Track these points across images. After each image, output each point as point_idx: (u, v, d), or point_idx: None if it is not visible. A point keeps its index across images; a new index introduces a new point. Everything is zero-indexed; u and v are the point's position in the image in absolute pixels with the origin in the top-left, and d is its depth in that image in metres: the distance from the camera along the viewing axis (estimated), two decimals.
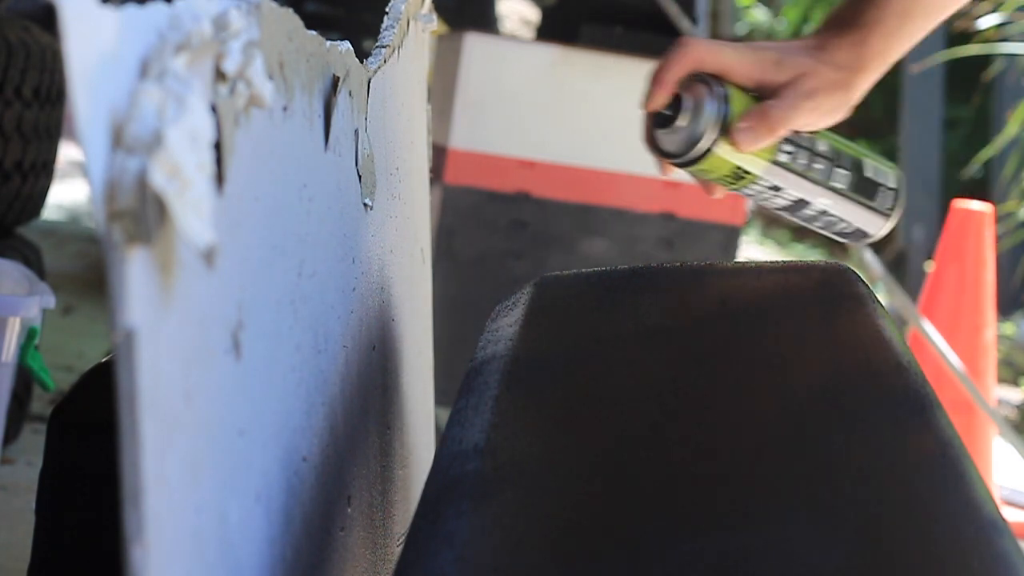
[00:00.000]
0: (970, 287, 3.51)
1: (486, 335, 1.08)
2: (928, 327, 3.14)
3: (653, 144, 1.17)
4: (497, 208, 3.53)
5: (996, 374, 3.78)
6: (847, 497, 0.79)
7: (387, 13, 1.40)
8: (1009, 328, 6.04)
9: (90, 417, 1.10)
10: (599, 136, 3.56)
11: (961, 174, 6.65)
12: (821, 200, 1.19)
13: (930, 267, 3.71)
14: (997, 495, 3.42)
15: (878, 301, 1.04)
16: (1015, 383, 5.66)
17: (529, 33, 8.00)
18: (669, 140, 1.16)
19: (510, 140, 3.52)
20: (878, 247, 7.02)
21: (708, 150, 1.14)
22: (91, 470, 1.09)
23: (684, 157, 1.15)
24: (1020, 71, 6.29)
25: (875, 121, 10.32)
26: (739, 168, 1.15)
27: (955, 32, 6.45)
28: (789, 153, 1.17)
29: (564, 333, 1.05)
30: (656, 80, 1.15)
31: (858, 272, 1.11)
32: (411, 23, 1.46)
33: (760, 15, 12.39)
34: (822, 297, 1.04)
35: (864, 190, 1.21)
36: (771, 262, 1.12)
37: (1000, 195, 6.19)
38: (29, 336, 1.86)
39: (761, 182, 1.17)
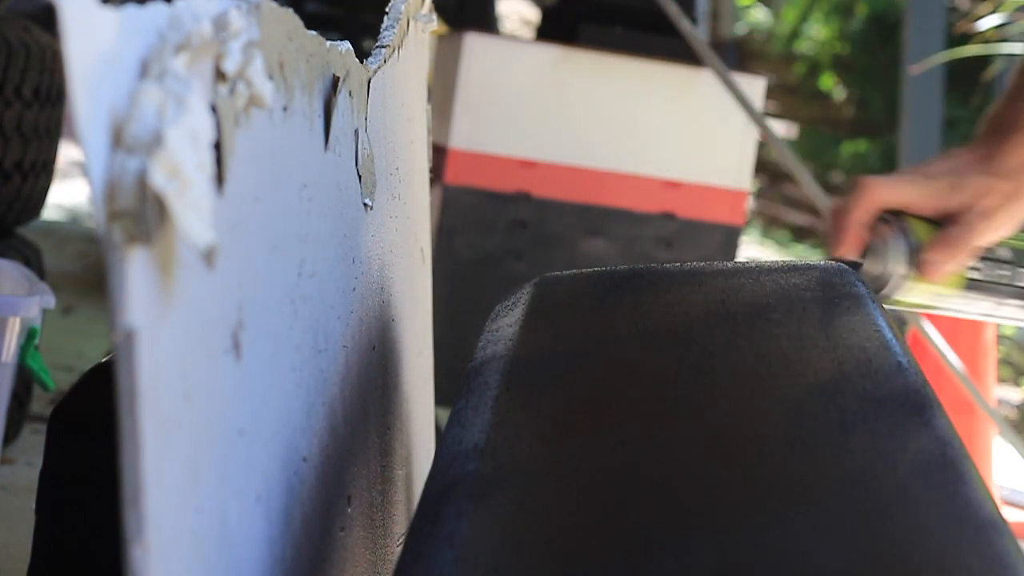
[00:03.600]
0: None
1: (486, 335, 1.08)
2: (928, 327, 3.14)
3: None
4: (497, 208, 3.53)
5: (996, 374, 3.78)
6: (847, 497, 0.79)
7: (387, 13, 1.40)
8: (1009, 328, 6.04)
9: (90, 417, 1.10)
10: (599, 136, 3.56)
11: None
12: (1011, 302, 1.22)
13: None
14: (997, 495, 3.42)
15: (878, 301, 1.04)
16: (1015, 383, 5.66)
17: (529, 33, 8.00)
18: None
19: (510, 140, 3.52)
20: None
21: (900, 288, 1.17)
22: (91, 470, 1.09)
23: (878, 296, 1.16)
24: None
25: (875, 121, 10.33)
26: (932, 296, 1.19)
27: (955, 33, 6.46)
28: (977, 269, 1.20)
29: (564, 333, 1.05)
30: (841, 226, 1.16)
31: (858, 272, 1.11)
32: (411, 23, 1.46)
33: (760, 15, 12.40)
34: (822, 297, 1.04)
35: None
36: (771, 262, 1.12)
37: None
38: (29, 336, 1.86)
39: (953, 304, 1.20)
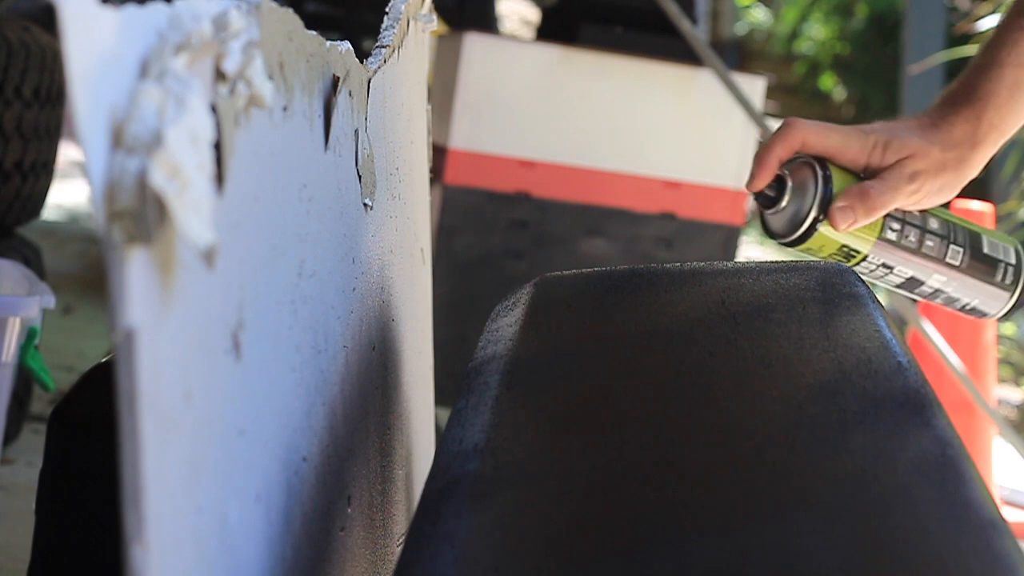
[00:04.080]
0: None
1: (486, 335, 1.08)
2: (928, 327, 3.14)
3: (761, 222, 1.20)
4: (497, 208, 3.53)
5: (996, 374, 3.78)
6: (847, 497, 0.79)
7: (387, 13, 1.40)
8: (1009, 328, 6.04)
9: (90, 417, 1.10)
10: (599, 136, 3.56)
11: None
12: (936, 277, 1.20)
13: None
14: (997, 495, 3.42)
15: (878, 301, 1.04)
16: (1015, 383, 5.66)
17: (529, 33, 8.00)
18: (774, 220, 1.18)
19: (510, 140, 3.52)
20: None
21: (811, 230, 1.16)
22: (91, 470, 1.09)
23: (789, 237, 1.17)
24: None
25: (875, 121, 10.31)
26: (846, 247, 1.17)
27: (955, 33, 6.46)
28: (896, 231, 1.18)
29: (564, 333, 1.05)
30: (759, 160, 1.16)
31: (858, 272, 1.11)
32: (411, 23, 1.46)
33: (760, 15, 12.39)
34: (822, 297, 1.04)
35: (981, 266, 1.21)
36: (771, 262, 1.12)
37: (1000, 195, 6.19)
38: (29, 336, 1.86)
39: (871, 260, 1.18)
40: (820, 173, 1.15)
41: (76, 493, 1.12)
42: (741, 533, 0.76)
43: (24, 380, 2.51)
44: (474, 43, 3.49)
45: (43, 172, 2.66)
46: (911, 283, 1.20)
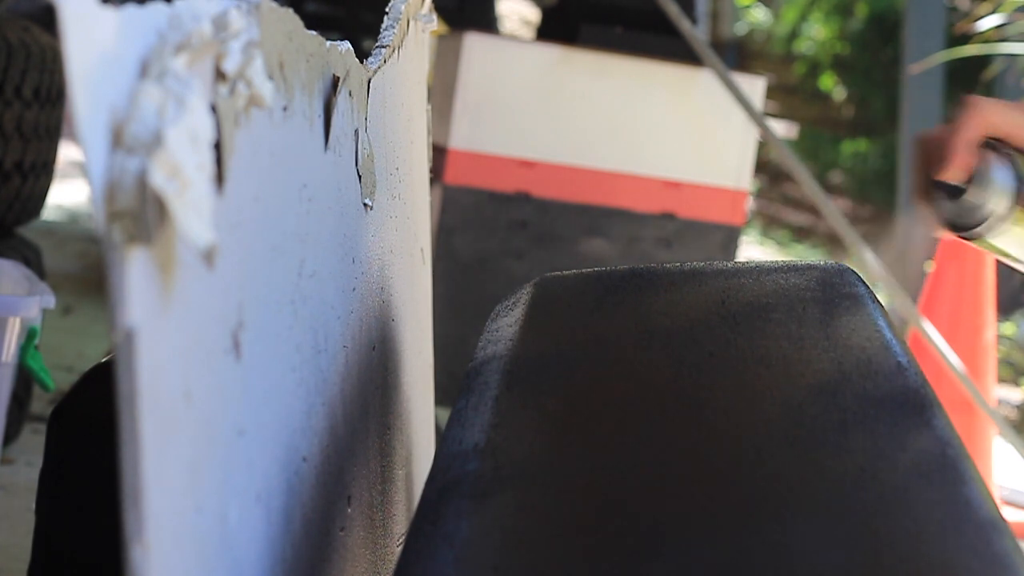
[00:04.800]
0: (970, 287, 3.51)
1: (486, 335, 1.08)
2: (928, 327, 3.14)
3: (932, 210, 1.11)
4: (497, 208, 3.53)
5: (996, 374, 3.78)
6: (847, 497, 0.79)
7: (387, 13, 1.40)
8: (1009, 328, 6.04)
9: (90, 417, 1.10)
10: (599, 136, 3.56)
11: None
12: None
13: (930, 267, 3.71)
14: (997, 495, 3.42)
15: (878, 301, 1.04)
16: (1015, 383, 5.66)
17: (529, 33, 8.00)
18: (952, 210, 1.10)
19: (510, 140, 3.52)
20: (878, 247, 7.01)
21: (1003, 223, 1.08)
22: (91, 470, 1.09)
23: (974, 229, 1.09)
24: (1020, 71, 6.29)
25: (875, 121, 10.32)
26: None
27: (955, 32, 6.46)
28: None
29: (564, 333, 1.05)
30: (950, 146, 1.08)
31: (858, 272, 1.11)
32: (411, 23, 1.46)
33: (760, 15, 12.39)
34: (822, 297, 1.04)
35: None
36: (771, 262, 1.12)
37: None
38: (29, 336, 1.86)
39: None
40: (1009, 158, 1.07)
41: (76, 493, 1.12)
42: (741, 533, 0.76)
43: (24, 380, 2.51)
44: (474, 43, 3.49)
45: (43, 172, 2.66)
46: None
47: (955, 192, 1.08)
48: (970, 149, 1.07)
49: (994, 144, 1.08)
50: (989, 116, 1.08)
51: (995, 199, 1.07)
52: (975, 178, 1.07)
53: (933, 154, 1.09)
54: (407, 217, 1.47)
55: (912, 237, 7.00)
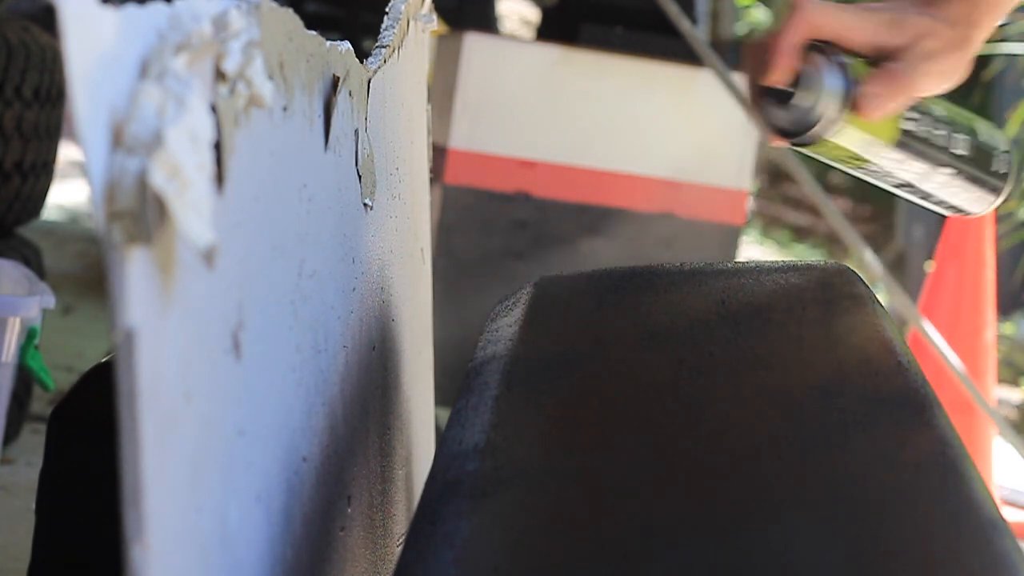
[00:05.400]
0: (970, 287, 3.51)
1: (486, 335, 1.08)
2: (928, 327, 3.14)
3: (765, 121, 1.08)
4: (497, 208, 3.53)
5: (996, 374, 3.78)
6: (847, 497, 0.79)
7: (387, 13, 1.40)
8: (1009, 328, 6.05)
9: (90, 417, 1.10)
10: (599, 136, 3.56)
11: None
12: (941, 171, 1.11)
13: (930, 267, 3.71)
14: (997, 495, 3.42)
15: (878, 301, 1.04)
16: (1015, 383, 5.66)
17: (529, 33, 8.00)
18: (784, 117, 1.06)
19: (510, 140, 3.52)
20: (878, 247, 7.02)
21: (833, 127, 1.05)
22: (91, 470, 1.09)
23: (804, 136, 1.06)
24: (1020, 71, 6.29)
25: None
26: (864, 143, 1.07)
27: None
28: (914, 121, 1.08)
29: (564, 333, 1.05)
30: (775, 50, 1.04)
31: (858, 272, 1.11)
32: (411, 23, 1.46)
33: (760, 15, 12.38)
34: (822, 297, 1.04)
35: (981, 154, 1.13)
36: (771, 262, 1.12)
37: None
38: (29, 336, 1.86)
39: (886, 156, 1.09)
40: (836, 59, 1.04)
41: (76, 493, 1.12)
42: (741, 533, 0.76)
43: (24, 380, 2.51)
44: (474, 43, 3.49)
45: (43, 172, 2.66)
46: (916, 180, 1.11)
47: (783, 97, 1.05)
48: (794, 52, 1.04)
49: (822, 47, 1.05)
50: (815, 18, 1.05)
51: (823, 102, 1.04)
52: (802, 82, 1.04)
53: (760, 60, 1.06)
54: (407, 217, 1.47)
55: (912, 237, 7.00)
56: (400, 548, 1.00)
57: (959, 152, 1.11)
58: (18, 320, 1.84)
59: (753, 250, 8.62)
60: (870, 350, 0.95)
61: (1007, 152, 1.16)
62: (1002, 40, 5.53)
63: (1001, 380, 5.41)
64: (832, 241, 9.01)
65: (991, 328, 3.51)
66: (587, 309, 1.08)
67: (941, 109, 1.11)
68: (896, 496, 0.79)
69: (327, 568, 0.97)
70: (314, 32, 0.94)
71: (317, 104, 0.96)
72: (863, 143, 1.07)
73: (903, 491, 0.80)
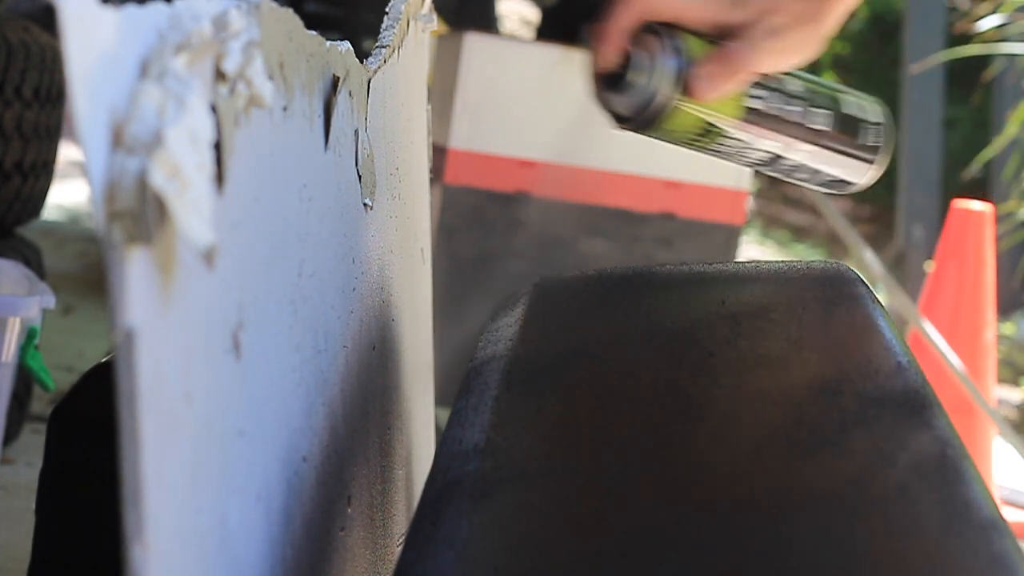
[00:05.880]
0: (970, 287, 3.51)
1: (486, 335, 1.08)
2: (928, 327, 3.14)
3: (606, 107, 1.05)
4: (497, 208, 3.53)
5: (996, 374, 3.78)
6: (847, 497, 0.79)
7: (387, 13, 1.40)
8: (1009, 328, 6.05)
9: (90, 417, 1.10)
10: (599, 136, 3.56)
11: (961, 174, 6.66)
12: (799, 146, 1.08)
13: (930, 267, 3.71)
14: (997, 495, 3.42)
15: (878, 301, 1.04)
16: (1015, 383, 5.66)
17: (529, 33, 8.00)
18: (622, 102, 1.04)
19: (510, 140, 3.52)
20: (878, 247, 7.02)
21: (667, 109, 1.02)
22: (91, 470, 1.09)
23: (640, 119, 1.03)
24: (1020, 71, 6.30)
25: None
26: (706, 123, 1.04)
27: (955, 32, 6.46)
28: (760, 98, 1.05)
29: (564, 333, 1.05)
30: (603, 36, 1.02)
31: (858, 272, 1.11)
32: (411, 23, 1.46)
33: None
34: (822, 297, 1.04)
35: (845, 128, 1.10)
36: (771, 262, 1.12)
37: (1000, 195, 6.20)
38: (29, 336, 1.86)
39: (732, 135, 1.06)
40: (670, 41, 1.02)
41: (76, 493, 1.12)
42: (741, 533, 0.76)
43: (24, 380, 2.51)
44: (474, 43, 3.49)
45: (43, 172, 2.67)
46: (774, 158, 1.09)
47: (615, 82, 1.04)
48: (623, 35, 1.02)
49: (659, 29, 1.02)
50: (643, 1, 1.03)
51: (655, 85, 1.02)
52: (634, 64, 1.02)
53: (593, 48, 1.04)
54: (407, 217, 1.47)
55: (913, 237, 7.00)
56: (400, 548, 1.00)
57: (817, 127, 1.08)
58: (18, 320, 1.84)
59: (753, 250, 8.62)
60: (870, 350, 0.95)
61: (878, 124, 1.13)
62: (1002, 40, 5.53)
63: (1001, 380, 5.41)
64: (832, 241, 9.01)
65: (991, 328, 3.51)
66: (587, 309, 1.08)
67: (797, 84, 1.08)
68: (896, 496, 0.79)
69: (327, 568, 0.97)
70: (314, 32, 0.94)
71: (317, 104, 0.96)
72: (704, 124, 1.04)
73: (903, 491, 0.80)
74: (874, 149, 1.13)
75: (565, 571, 0.75)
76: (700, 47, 1.03)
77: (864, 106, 1.13)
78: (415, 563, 0.77)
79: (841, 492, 0.80)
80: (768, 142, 1.08)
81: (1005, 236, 5.13)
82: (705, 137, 1.06)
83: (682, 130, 1.05)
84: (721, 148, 1.07)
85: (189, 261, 0.65)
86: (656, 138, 1.07)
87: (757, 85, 1.06)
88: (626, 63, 1.03)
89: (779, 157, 1.09)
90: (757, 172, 1.13)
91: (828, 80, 1.13)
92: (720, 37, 1.04)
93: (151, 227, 0.60)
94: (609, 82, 1.04)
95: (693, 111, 1.03)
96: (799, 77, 1.09)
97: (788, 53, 1.04)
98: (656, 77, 1.02)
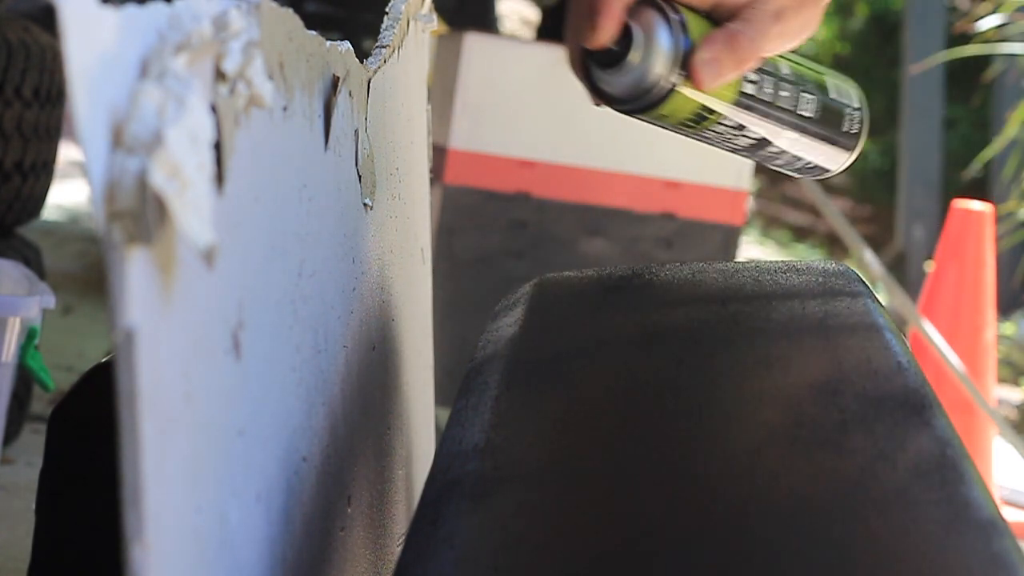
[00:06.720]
0: (970, 287, 3.51)
1: (486, 335, 1.08)
2: (928, 327, 3.14)
3: (592, 87, 0.98)
4: (497, 208, 3.53)
5: (996, 374, 3.78)
6: (847, 497, 0.79)
7: (387, 13, 1.40)
8: (1009, 328, 6.05)
9: (90, 417, 1.10)
10: (599, 136, 3.56)
11: (961, 174, 6.66)
12: (787, 132, 1.04)
13: (930, 267, 3.71)
14: (997, 495, 3.42)
15: (878, 301, 1.04)
16: (1015, 383, 5.66)
17: (529, 33, 8.00)
18: (615, 82, 0.96)
19: (510, 140, 3.52)
20: (878, 247, 7.02)
21: (667, 92, 0.95)
22: (91, 470, 1.09)
23: (638, 102, 0.96)
24: (1020, 71, 6.30)
25: (875, 121, 10.33)
26: (703, 109, 0.98)
27: (955, 32, 6.46)
28: (755, 83, 1.00)
29: (564, 333, 1.05)
30: (600, 8, 0.94)
31: (858, 272, 1.11)
32: (411, 23, 1.46)
33: None
34: (822, 297, 1.04)
35: (830, 114, 1.06)
36: (771, 262, 1.12)
37: (1000, 195, 6.20)
38: (29, 336, 1.86)
39: (725, 121, 1.00)
40: (674, 18, 0.94)
41: (76, 493, 1.12)
42: (740, 533, 0.76)
43: (24, 380, 2.51)
44: (474, 43, 3.49)
45: (43, 172, 2.67)
46: (760, 144, 1.03)
47: (611, 59, 0.95)
48: (619, 9, 0.93)
49: (655, 2, 0.94)
50: None
51: (655, 65, 0.94)
52: (634, 43, 0.94)
53: (585, 19, 0.94)
54: (407, 217, 1.47)
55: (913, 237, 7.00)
56: (400, 548, 1.00)
57: (806, 114, 1.04)
58: (18, 320, 1.84)
59: (753, 250, 8.62)
60: (870, 350, 0.95)
61: (858, 109, 1.10)
62: (1002, 40, 5.53)
63: (1001, 380, 5.41)
64: (832, 241, 9.01)
65: (991, 328, 3.51)
66: (587, 309, 1.08)
67: (788, 67, 1.04)
68: (896, 496, 0.79)
69: (327, 568, 0.97)
70: (314, 32, 0.94)
71: (317, 104, 0.96)
72: (701, 109, 0.99)
73: (903, 491, 0.80)
74: (856, 136, 1.10)
75: (565, 571, 0.75)
76: (700, 26, 0.96)
77: (847, 90, 1.11)
78: (415, 563, 0.77)
79: (841, 492, 0.80)
80: (758, 128, 1.03)
81: (1005, 236, 5.13)
82: (699, 123, 1.00)
83: (676, 115, 0.98)
84: (711, 134, 1.02)
85: (189, 261, 0.65)
86: (646, 121, 1.01)
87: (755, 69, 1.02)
88: (624, 40, 0.95)
89: (766, 143, 1.04)
90: (737, 155, 1.08)
91: (811, 61, 1.09)
92: (717, 18, 0.97)
93: (151, 227, 0.60)
94: (601, 59, 0.96)
95: (691, 96, 0.96)
96: (788, 59, 1.05)
97: (791, 36, 0.99)
98: (656, 57, 0.94)
